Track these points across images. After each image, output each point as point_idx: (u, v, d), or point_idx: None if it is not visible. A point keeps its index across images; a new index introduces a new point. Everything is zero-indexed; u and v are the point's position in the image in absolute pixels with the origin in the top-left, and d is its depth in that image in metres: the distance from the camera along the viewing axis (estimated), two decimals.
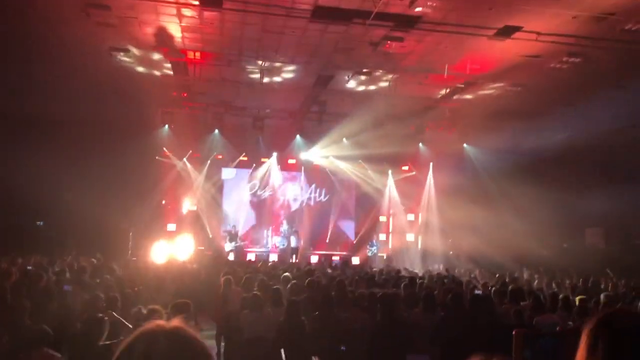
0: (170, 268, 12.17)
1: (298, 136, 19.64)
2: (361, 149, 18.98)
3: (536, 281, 12.45)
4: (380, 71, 14.46)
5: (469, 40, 11.97)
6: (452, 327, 5.38)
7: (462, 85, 15.27)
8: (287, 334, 5.99)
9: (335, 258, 18.60)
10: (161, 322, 1.24)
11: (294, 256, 18.29)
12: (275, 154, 20.34)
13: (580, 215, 17.54)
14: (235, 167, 20.24)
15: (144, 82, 15.53)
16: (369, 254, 19.84)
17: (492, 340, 4.34)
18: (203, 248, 18.23)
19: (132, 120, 16.88)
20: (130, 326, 5.04)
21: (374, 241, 20.40)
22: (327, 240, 20.41)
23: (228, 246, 18.54)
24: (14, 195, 15.24)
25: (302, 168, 20.74)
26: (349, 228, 21.18)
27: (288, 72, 14.99)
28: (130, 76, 15.03)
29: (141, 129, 17.23)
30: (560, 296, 7.57)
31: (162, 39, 12.72)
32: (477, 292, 7.86)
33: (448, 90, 16.01)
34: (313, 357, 5.39)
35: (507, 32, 11.30)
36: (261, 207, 20.68)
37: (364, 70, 14.25)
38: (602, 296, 7.86)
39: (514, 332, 3.55)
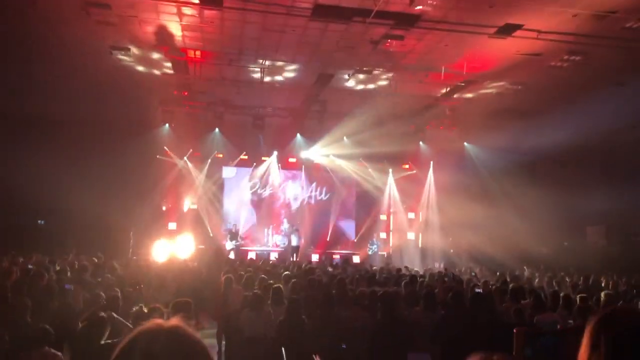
0: (171, 267, 12.17)
1: (298, 135, 19.66)
2: (362, 148, 18.99)
3: (537, 279, 12.45)
4: (381, 70, 14.46)
5: (469, 39, 11.96)
6: (452, 325, 5.37)
7: (463, 84, 15.27)
8: (287, 333, 5.99)
9: (336, 256, 18.61)
10: (160, 321, 1.24)
11: (294, 255, 18.30)
12: (275, 153, 20.34)
13: (581, 213, 17.55)
14: (236, 166, 20.25)
15: (144, 81, 15.54)
16: (370, 252, 19.84)
17: (492, 338, 4.34)
18: (203, 247, 18.24)
19: (133, 120, 16.89)
20: (131, 326, 5.04)
21: (375, 240, 20.41)
22: (328, 239, 20.42)
23: (229, 245, 18.55)
24: (15, 195, 15.26)
25: (303, 167, 20.74)
26: (349, 226, 21.18)
27: (290, 72, 14.99)
28: (131, 75, 15.04)
29: (141, 128, 17.24)
30: (561, 294, 7.57)
31: (163, 38, 12.72)
32: (477, 290, 7.85)
33: (448, 89, 16.01)
34: (314, 356, 5.39)
35: (507, 30, 11.30)
36: (262, 205, 20.68)
37: (365, 68, 14.25)
38: (602, 294, 7.86)
39: (514, 331, 3.55)
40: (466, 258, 16.77)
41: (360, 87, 15.95)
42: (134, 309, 5.46)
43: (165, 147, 18.66)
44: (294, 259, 17.30)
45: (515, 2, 10.05)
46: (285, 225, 19.93)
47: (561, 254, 16.32)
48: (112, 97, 15.65)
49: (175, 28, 12.17)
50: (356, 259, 18.62)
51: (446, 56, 13.09)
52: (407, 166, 21.02)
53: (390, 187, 20.80)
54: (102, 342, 4.83)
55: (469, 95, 16.33)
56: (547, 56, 12.69)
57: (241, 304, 7.08)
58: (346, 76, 14.90)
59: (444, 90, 16.21)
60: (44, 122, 16.84)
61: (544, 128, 16.55)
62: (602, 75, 13.73)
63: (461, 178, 18.22)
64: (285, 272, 9.84)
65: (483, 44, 12.19)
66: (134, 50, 13.49)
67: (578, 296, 7.37)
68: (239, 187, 20.46)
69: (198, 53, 13.85)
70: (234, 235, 18.73)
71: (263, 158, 20.34)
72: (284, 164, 20.64)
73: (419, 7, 10.38)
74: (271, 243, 20.20)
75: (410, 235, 20.55)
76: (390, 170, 20.65)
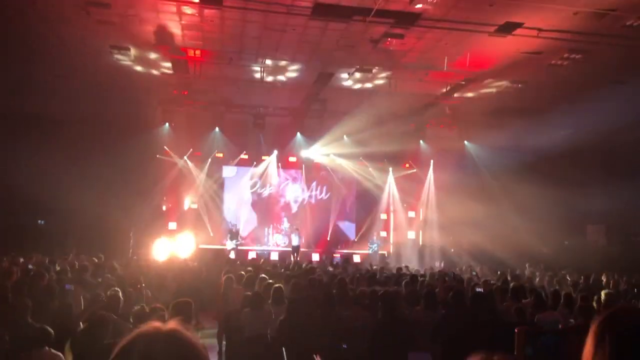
0: (171, 266, 12.17)
1: (299, 134, 19.64)
2: (362, 147, 18.98)
3: (537, 278, 12.44)
4: (381, 68, 14.44)
5: (469, 37, 11.95)
6: (453, 324, 5.37)
7: (463, 83, 15.25)
8: (288, 332, 5.98)
9: (336, 256, 18.60)
10: (158, 324, 1.23)
11: (295, 254, 18.30)
12: (275, 152, 20.33)
13: (581, 212, 17.55)
14: (236, 165, 20.25)
15: (144, 81, 15.53)
16: (370, 251, 19.83)
17: (493, 337, 4.33)
18: (203, 246, 18.23)
19: (133, 119, 16.88)
20: (131, 326, 5.03)
21: (375, 238, 20.40)
22: (328, 238, 20.42)
23: (229, 244, 18.54)
24: (15, 195, 15.25)
25: (303, 166, 20.73)
26: (349, 226, 21.18)
27: (292, 72, 14.98)
28: (131, 75, 15.03)
29: (142, 128, 17.23)
30: (562, 293, 7.56)
31: (163, 37, 12.70)
32: (478, 289, 7.84)
33: (449, 88, 15.99)
34: (314, 355, 5.38)
35: (508, 28, 11.28)
36: (262, 205, 20.68)
37: (365, 67, 14.24)
38: (603, 293, 7.84)
39: (516, 330, 3.54)
40: (467, 257, 16.76)
41: (360, 86, 15.94)
42: (135, 308, 5.45)
43: (165, 147, 18.65)
44: (295, 259, 17.30)
45: (515, 0, 10.04)
46: (285, 225, 19.92)
47: (561, 253, 16.32)
48: (112, 96, 15.64)
49: (175, 27, 12.16)
50: (356, 258, 18.61)
51: (446, 55, 13.07)
52: (407, 165, 21.03)
53: (390, 186, 20.79)
54: (105, 341, 4.82)
55: (469, 94, 16.31)
56: (547, 54, 12.68)
57: (242, 304, 7.07)
58: (346, 75, 14.89)
59: (444, 89, 16.19)
60: (44, 122, 16.83)
61: (544, 127, 16.56)
62: (602, 73, 13.72)
63: (461, 177, 18.21)
64: (286, 272, 9.84)
65: (483, 42, 12.17)
66: (134, 49, 13.48)
67: (579, 295, 7.37)
68: (239, 186, 20.45)
69: (198, 52, 13.83)
70: (234, 235, 18.72)
71: (263, 157, 20.32)
72: (284, 164, 20.63)
73: (419, 6, 10.36)
74: (271, 242, 20.20)
75: (411, 234, 20.55)
76: (391, 169, 20.64)
